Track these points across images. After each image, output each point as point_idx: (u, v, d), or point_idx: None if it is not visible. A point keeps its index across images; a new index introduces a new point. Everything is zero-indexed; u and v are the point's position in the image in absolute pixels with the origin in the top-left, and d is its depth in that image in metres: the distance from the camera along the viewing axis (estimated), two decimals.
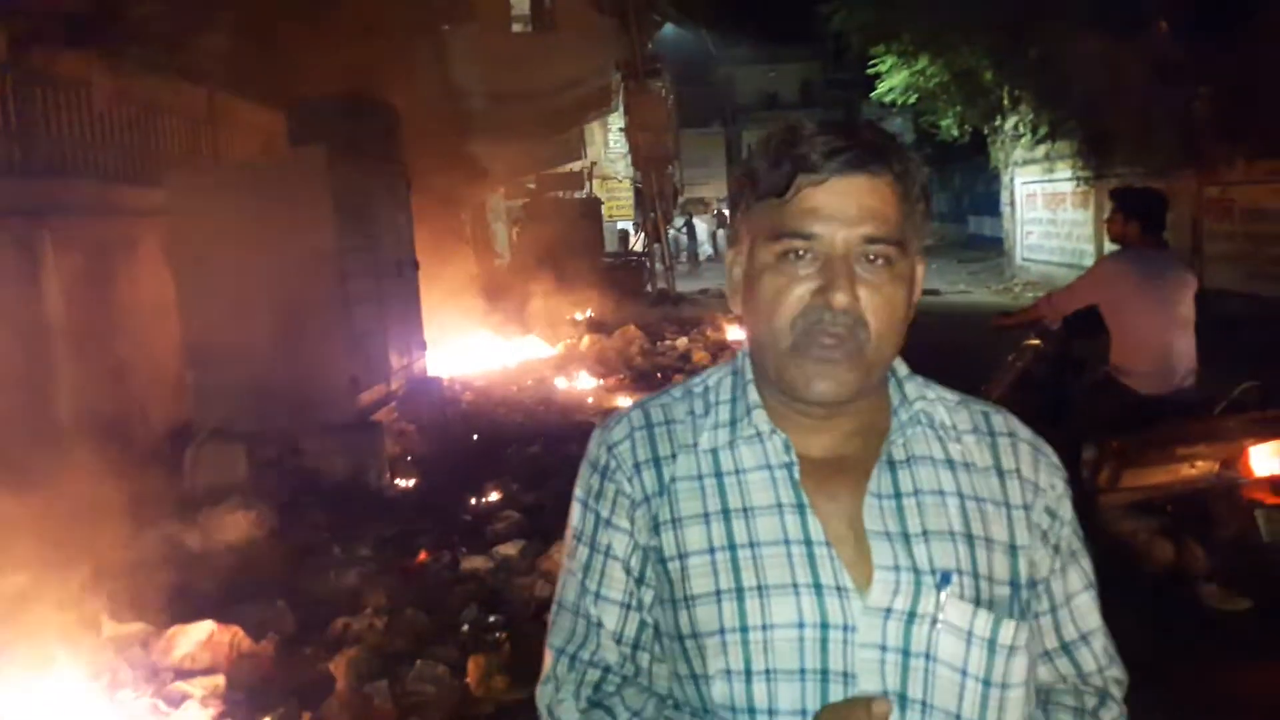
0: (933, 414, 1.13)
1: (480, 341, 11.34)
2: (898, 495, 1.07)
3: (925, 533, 1.05)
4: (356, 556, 4.95)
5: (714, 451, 1.11)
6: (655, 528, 1.10)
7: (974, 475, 1.10)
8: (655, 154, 17.25)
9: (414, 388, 7.77)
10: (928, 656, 1.02)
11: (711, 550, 1.07)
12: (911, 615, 1.02)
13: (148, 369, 7.33)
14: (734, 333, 13.32)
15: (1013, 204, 19.67)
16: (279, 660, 3.93)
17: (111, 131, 7.33)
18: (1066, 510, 1.14)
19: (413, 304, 8.21)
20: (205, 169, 7.40)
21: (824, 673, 1.02)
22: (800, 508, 1.06)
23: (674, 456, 1.13)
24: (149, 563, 4.94)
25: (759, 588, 1.04)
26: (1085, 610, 1.16)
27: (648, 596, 1.13)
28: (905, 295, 1.07)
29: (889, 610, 1.03)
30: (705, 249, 30.33)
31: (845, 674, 1.02)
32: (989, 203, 24.56)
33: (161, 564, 4.94)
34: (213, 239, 6.34)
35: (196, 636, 3.87)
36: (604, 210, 21.53)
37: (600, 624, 1.14)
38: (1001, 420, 1.17)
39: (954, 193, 30.97)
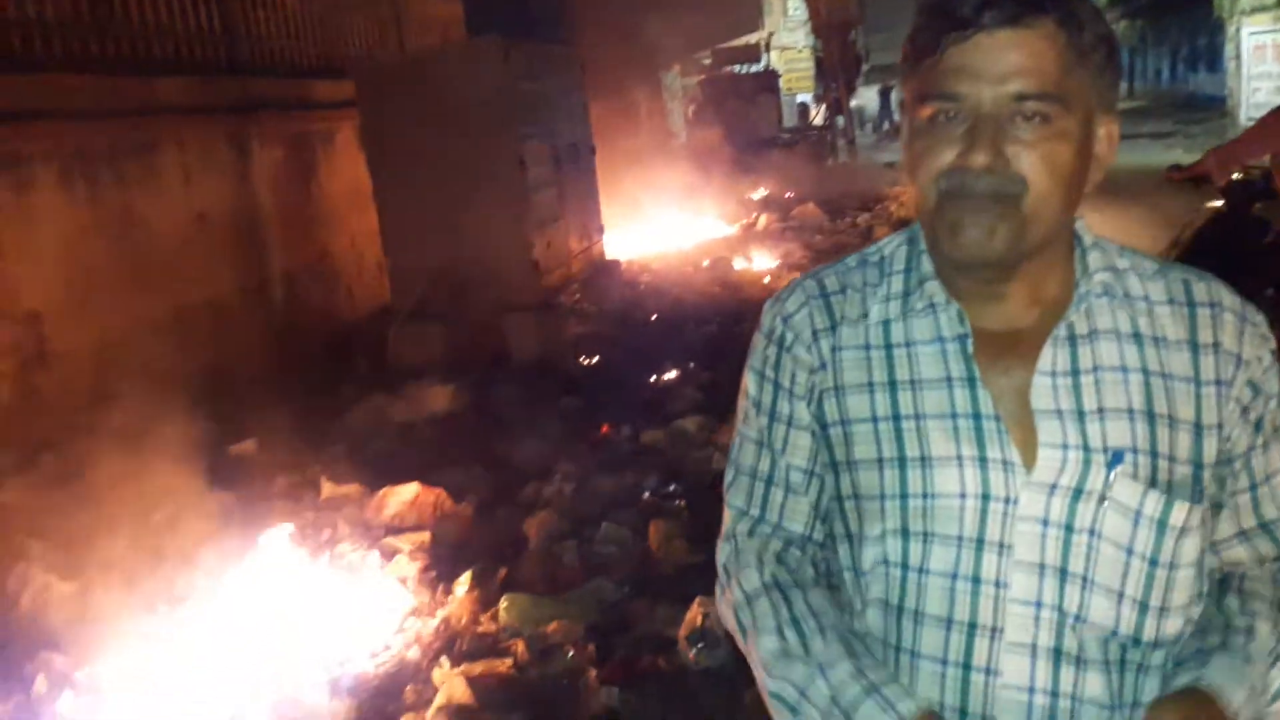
0: (1121, 285, 1.07)
1: (657, 223, 11.41)
2: (1075, 372, 1.03)
3: (1101, 410, 1.02)
4: (545, 428, 5.22)
5: (885, 323, 1.10)
6: (821, 395, 1.11)
7: (1164, 350, 1.05)
8: (836, 19, 16.49)
9: (594, 270, 7.96)
10: (1092, 533, 1.01)
11: (875, 419, 1.07)
12: (1078, 492, 1.01)
13: (349, 254, 7.83)
14: None
15: (1238, 58, 17.80)
16: (477, 520, 4.25)
17: (304, 29, 7.68)
18: (1273, 384, 1.07)
19: (590, 187, 8.33)
20: (388, 61, 7.65)
21: (980, 541, 1.03)
22: (970, 381, 1.04)
23: (842, 325, 1.12)
24: (361, 431, 5.40)
25: (922, 458, 1.05)
26: None
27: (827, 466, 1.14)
28: (1072, 154, 1.00)
29: (1054, 486, 1.01)
30: (897, 117, 29.00)
31: (1001, 544, 1.02)
32: (1210, 58, 22.26)
33: (372, 433, 5.38)
34: (399, 129, 6.61)
35: (404, 497, 4.23)
36: (782, 83, 20.90)
37: (790, 490, 1.15)
38: (1205, 288, 1.08)
39: (1170, 48, 28.18)
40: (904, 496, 1.05)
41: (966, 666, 1.04)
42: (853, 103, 22.66)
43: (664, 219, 11.62)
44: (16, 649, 3.19)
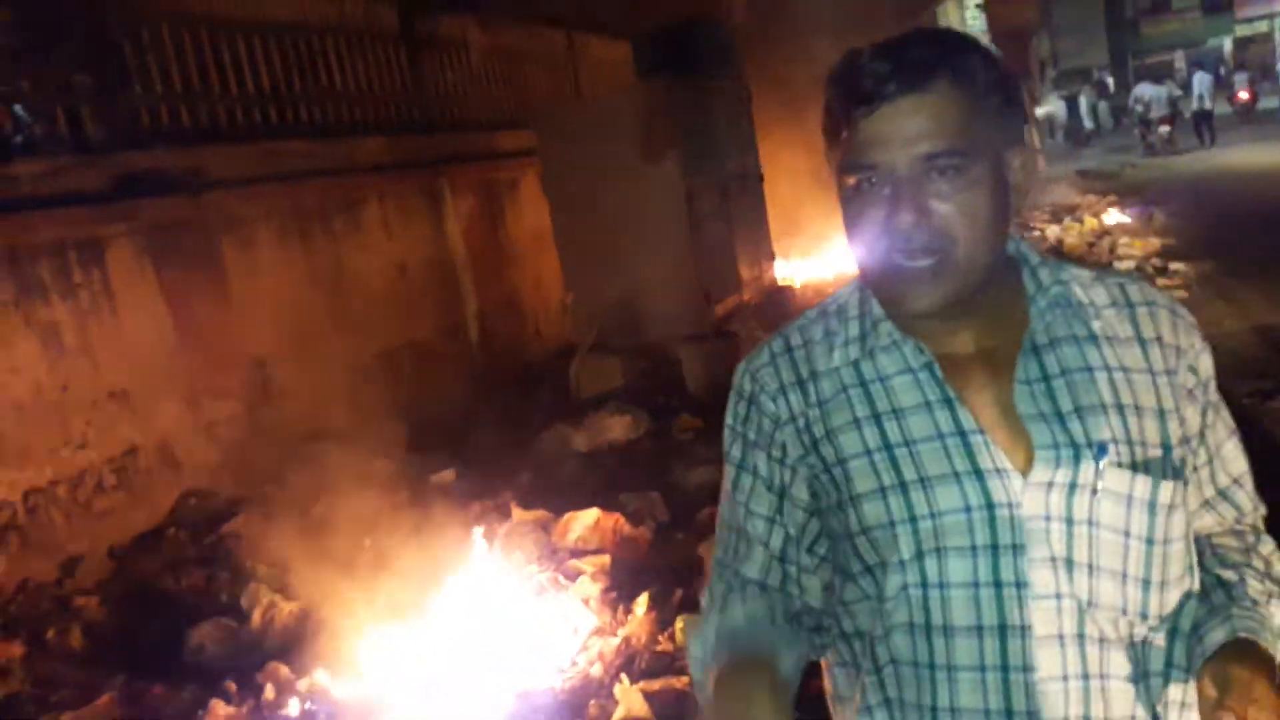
0: (1071, 294, 1.16)
1: (833, 245, 11.35)
2: (1046, 378, 1.11)
3: (1078, 409, 1.10)
4: (719, 454, 5.33)
5: (855, 364, 1.17)
6: (812, 443, 1.17)
7: (1118, 347, 1.14)
8: (1014, 25, 15.94)
9: (766, 297, 8.05)
10: (1090, 523, 1.08)
11: (869, 452, 1.13)
12: (1073, 486, 1.08)
13: (535, 293, 8.26)
14: (1114, 216, 12.20)
15: None
16: (654, 544, 4.42)
17: (487, 83, 8.21)
18: (1207, 366, 1.18)
19: (759, 215, 8.45)
20: (564, 110, 8.06)
21: (994, 547, 1.09)
22: (948, 402, 1.11)
23: (816, 376, 1.19)
24: (547, 459, 5.70)
25: (921, 480, 1.10)
26: (1233, 456, 1.22)
27: (795, 513, 1.21)
28: (988, 196, 1.09)
29: (1050, 484, 1.08)
30: (1087, 124, 27.61)
31: (1014, 545, 1.08)
32: None
33: (557, 460, 5.67)
34: (575, 173, 6.96)
35: (586, 521, 4.45)
36: None
37: (750, 536, 1.22)
38: (1138, 290, 1.19)
39: None
40: (913, 520, 1.10)
41: (1005, 669, 1.09)
42: (1039, 111, 21.77)
43: (841, 240, 11.51)
44: (248, 661, 3.60)
